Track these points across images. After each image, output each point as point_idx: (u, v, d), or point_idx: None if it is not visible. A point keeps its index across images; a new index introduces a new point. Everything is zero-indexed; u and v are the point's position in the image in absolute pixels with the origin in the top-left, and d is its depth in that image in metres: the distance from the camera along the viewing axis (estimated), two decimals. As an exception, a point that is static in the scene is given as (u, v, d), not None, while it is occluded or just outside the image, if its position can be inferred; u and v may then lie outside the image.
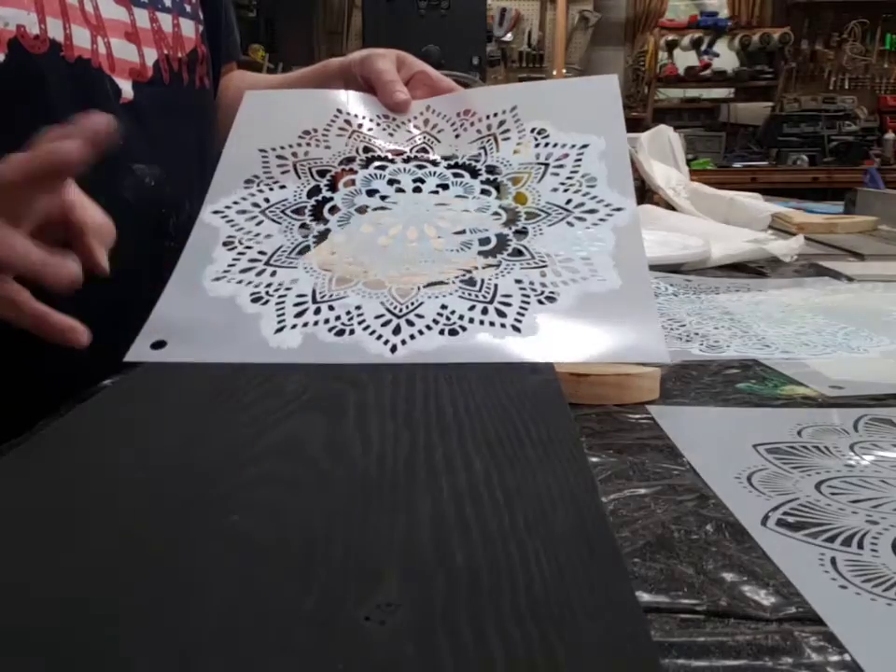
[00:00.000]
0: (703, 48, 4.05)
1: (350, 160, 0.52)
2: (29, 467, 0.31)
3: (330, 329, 0.42)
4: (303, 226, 0.49)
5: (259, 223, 0.48)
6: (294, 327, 0.42)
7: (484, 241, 0.47)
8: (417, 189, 0.50)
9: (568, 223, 0.47)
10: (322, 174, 0.51)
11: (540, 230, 0.47)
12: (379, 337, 0.41)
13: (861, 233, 1.09)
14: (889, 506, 0.31)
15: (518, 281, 0.44)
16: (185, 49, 0.61)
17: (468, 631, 0.20)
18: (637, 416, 0.41)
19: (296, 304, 0.43)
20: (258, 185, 0.50)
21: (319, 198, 0.50)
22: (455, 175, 0.51)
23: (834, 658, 0.22)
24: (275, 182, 0.50)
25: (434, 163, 0.52)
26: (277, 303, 0.43)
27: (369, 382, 0.39)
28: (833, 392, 0.45)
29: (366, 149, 0.53)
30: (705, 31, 4.06)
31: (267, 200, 0.49)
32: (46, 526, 0.26)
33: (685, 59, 4.09)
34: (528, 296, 0.43)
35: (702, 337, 0.56)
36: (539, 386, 0.39)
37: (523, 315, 0.42)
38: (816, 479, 0.33)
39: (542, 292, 0.43)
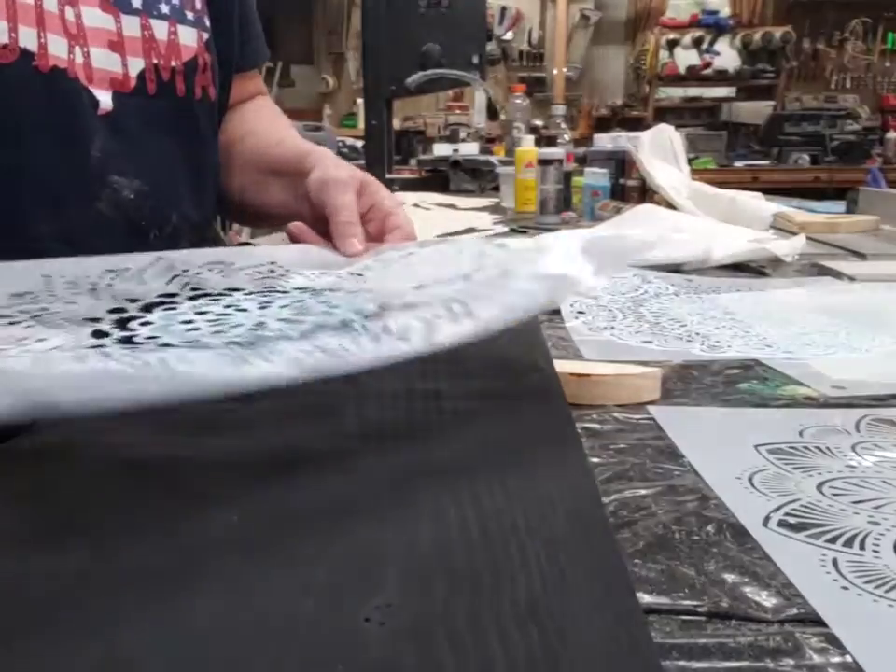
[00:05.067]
0: (704, 46, 4.06)
1: (123, 310, 0.37)
2: (28, 466, 0.31)
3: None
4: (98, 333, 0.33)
5: (28, 327, 0.33)
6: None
7: (360, 310, 0.36)
8: (264, 306, 0.38)
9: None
10: (96, 320, 0.35)
11: (431, 290, 0.38)
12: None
13: (863, 233, 1.09)
14: (891, 507, 0.31)
15: (419, 319, 0.34)
16: (181, 57, 0.60)
17: (467, 632, 0.20)
18: (638, 417, 0.41)
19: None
20: None
21: (123, 317, 0.35)
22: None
23: (836, 659, 0.22)
24: (18, 327, 0.33)
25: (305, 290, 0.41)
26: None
27: (369, 383, 0.39)
28: (835, 392, 0.45)
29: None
30: (706, 29, 4.06)
31: (29, 349, 0.31)
32: (45, 526, 0.26)
33: (686, 58, 4.10)
34: (435, 323, 0.33)
35: (703, 337, 0.56)
36: (539, 387, 0.39)
37: (434, 332, 0.33)
38: (817, 479, 0.33)
39: (453, 315, 0.34)
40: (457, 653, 0.19)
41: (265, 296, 0.39)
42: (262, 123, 0.72)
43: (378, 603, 0.21)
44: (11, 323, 0.33)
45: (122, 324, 0.34)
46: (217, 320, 0.35)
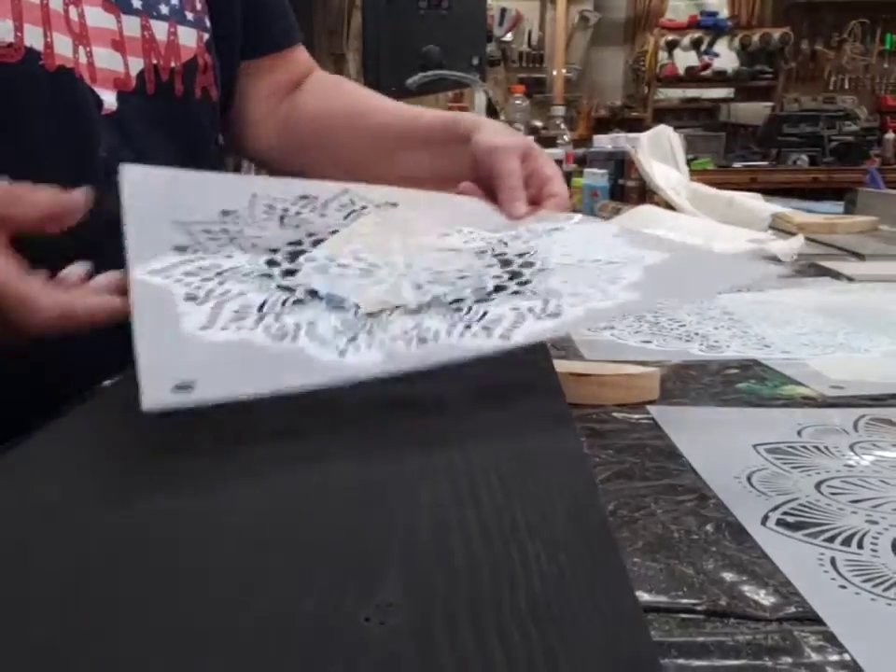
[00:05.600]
0: (703, 48, 4.06)
1: (299, 242, 0.44)
2: (29, 467, 0.31)
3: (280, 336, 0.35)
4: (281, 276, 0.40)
5: (222, 283, 0.39)
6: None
7: (479, 289, 0.41)
8: (409, 265, 0.43)
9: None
10: (275, 251, 0.42)
11: (545, 278, 0.42)
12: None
13: (862, 233, 1.09)
14: (889, 506, 0.31)
15: (514, 309, 0.38)
16: (181, 58, 0.60)
17: (468, 631, 0.20)
18: (637, 416, 0.41)
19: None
20: (195, 252, 0.41)
21: (296, 250, 0.43)
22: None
23: (834, 658, 0.22)
24: (217, 253, 0.41)
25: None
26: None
27: (369, 384, 0.39)
28: (833, 392, 0.45)
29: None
30: (705, 31, 4.07)
31: (218, 266, 0.40)
32: (45, 526, 0.26)
33: (685, 59, 4.10)
34: (525, 316, 0.37)
35: (702, 337, 0.56)
36: (539, 387, 0.39)
37: (516, 328, 0.37)
38: (816, 479, 0.33)
39: (543, 311, 0.38)
40: (457, 653, 0.19)
41: (411, 256, 0.45)
42: (370, 96, 0.73)
43: (378, 602, 0.21)
44: (211, 239, 0.42)
45: (293, 257, 0.42)
46: (367, 271, 0.42)
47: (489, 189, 0.56)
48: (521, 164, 0.56)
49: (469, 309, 0.38)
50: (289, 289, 0.39)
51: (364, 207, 0.48)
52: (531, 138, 0.62)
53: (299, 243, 0.44)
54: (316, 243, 0.44)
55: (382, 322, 0.37)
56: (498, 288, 0.41)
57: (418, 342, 0.35)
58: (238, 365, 0.33)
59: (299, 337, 0.35)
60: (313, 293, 0.39)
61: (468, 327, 0.36)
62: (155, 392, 0.29)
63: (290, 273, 0.40)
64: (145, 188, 0.43)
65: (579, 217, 0.54)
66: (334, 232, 0.45)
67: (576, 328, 0.39)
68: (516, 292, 0.40)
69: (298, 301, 0.38)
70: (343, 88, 0.75)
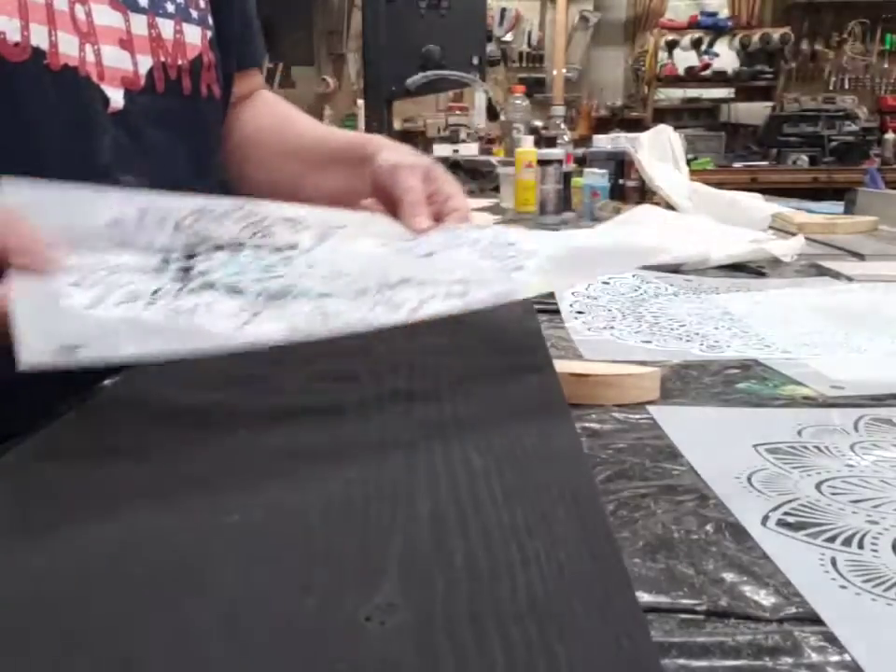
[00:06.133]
0: (703, 48, 4.06)
1: (195, 245, 0.42)
2: (29, 467, 0.31)
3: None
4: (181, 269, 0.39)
5: (110, 274, 0.36)
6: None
7: (382, 283, 0.42)
8: (311, 266, 0.43)
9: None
10: (169, 252, 0.40)
11: (451, 268, 0.45)
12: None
13: (862, 233, 1.09)
14: (890, 506, 0.31)
15: (420, 291, 0.41)
16: (187, 56, 0.60)
17: (468, 631, 0.20)
18: (637, 416, 0.41)
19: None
20: (79, 253, 0.37)
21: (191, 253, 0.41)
22: None
23: (834, 658, 0.22)
24: (104, 252, 0.38)
25: None
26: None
27: (368, 382, 0.39)
28: (834, 392, 0.45)
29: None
30: (705, 31, 4.07)
31: (106, 261, 0.37)
32: (46, 526, 0.26)
33: (685, 59, 4.10)
34: (433, 296, 0.40)
35: (702, 337, 0.56)
36: (539, 387, 0.39)
37: (423, 306, 0.40)
38: (816, 479, 0.33)
39: (448, 295, 0.41)
40: (457, 653, 0.19)
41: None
42: (294, 116, 0.74)
43: (378, 602, 0.21)
44: (97, 244, 0.38)
45: (188, 259, 0.40)
46: (259, 278, 0.40)
47: (391, 208, 0.56)
48: (423, 183, 0.56)
49: (374, 295, 0.39)
50: (185, 280, 0.38)
51: (264, 219, 0.47)
52: (433, 159, 0.62)
53: (194, 246, 0.41)
54: (216, 247, 0.42)
55: (285, 303, 0.37)
56: (404, 280, 0.42)
57: (322, 317, 0.36)
58: (128, 333, 0.32)
59: (196, 314, 0.34)
60: (210, 285, 0.38)
61: (374, 307, 0.38)
62: (36, 352, 0.28)
63: (186, 269, 0.39)
64: (25, 203, 0.39)
65: (486, 226, 0.55)
66: (237, 244, 0.44)
67: (481, 307, 0.42)
68: (422, 282, 0.42)
69: (193, 291, 0.37)
70: (275, 107, 0.76)
